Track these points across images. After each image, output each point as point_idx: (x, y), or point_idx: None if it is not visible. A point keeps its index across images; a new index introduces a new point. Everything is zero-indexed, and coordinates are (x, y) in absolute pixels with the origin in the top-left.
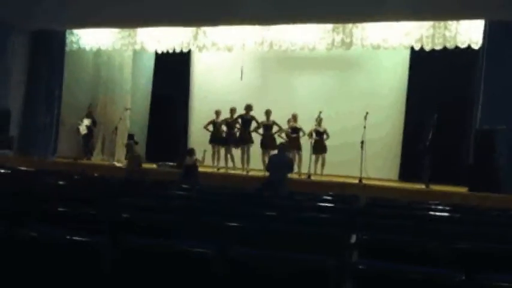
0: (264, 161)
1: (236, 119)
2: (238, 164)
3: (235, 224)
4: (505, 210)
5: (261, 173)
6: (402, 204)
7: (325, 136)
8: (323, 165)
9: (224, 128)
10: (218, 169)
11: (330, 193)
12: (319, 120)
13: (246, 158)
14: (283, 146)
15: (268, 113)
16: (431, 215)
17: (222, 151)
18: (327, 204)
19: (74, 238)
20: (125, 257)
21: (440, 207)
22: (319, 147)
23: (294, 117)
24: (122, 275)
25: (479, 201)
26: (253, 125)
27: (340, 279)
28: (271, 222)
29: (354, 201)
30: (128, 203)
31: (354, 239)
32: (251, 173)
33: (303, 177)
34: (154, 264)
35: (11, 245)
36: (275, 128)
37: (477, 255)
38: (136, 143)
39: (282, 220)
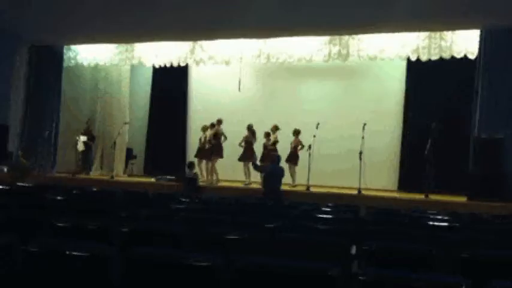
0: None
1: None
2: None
3: (240, 235)
4: (505, 217)
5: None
6: (402, 213)
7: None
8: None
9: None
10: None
11: (330, 204)
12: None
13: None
14: (278, 158)
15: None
16: (431, 224)
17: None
18: (327, 216)
19: (83, 250)
20: (133, 268)
21: (439, 216)
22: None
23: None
24: (130, 286)
25: (479, 209)
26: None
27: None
28: (273, 232)
29: (354, 212)
30: (133, 214)
31: (354, 249)
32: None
33: (302, 188)
34: (162, 275)
35: (21, 257)
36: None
37: (479, 262)
38: (134, 157)
39: (285, 230)
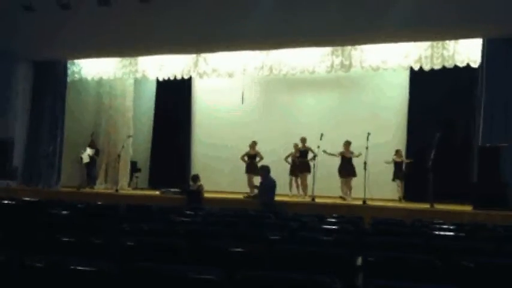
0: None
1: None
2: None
3: (240, 247)
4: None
5: None
6: (407, 224)
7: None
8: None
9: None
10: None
11: (335, 215)
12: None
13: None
14: (267, 169)
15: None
16: (436, 234)
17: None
18: (332, 226)
19: (84, 265)
20: (133, 283)
21: (445, 226)
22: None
23: (303, 140)
24: None
25: (484, 219)
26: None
27: None
28: (276, 244)
29: (359, 222)
30: (135, 229)
31: (359, 261)
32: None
33: (307, 199)
34: None
35: (22, 274)
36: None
37: (482, 273)
38: (139, 170)
39: (288, 242)
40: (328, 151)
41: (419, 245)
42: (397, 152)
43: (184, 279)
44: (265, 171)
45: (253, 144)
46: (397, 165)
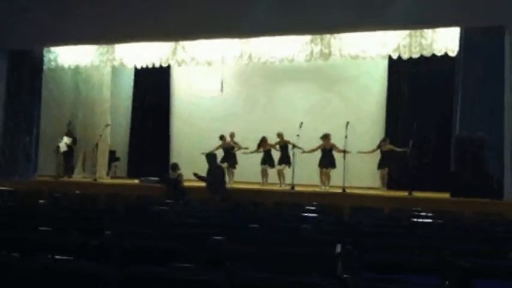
0: None
1: None
2: None
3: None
4: (486, 215)
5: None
6: (386, 212)
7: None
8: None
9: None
10: None
11: (314, 203)
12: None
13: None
14: (211, 156)
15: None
16: (414, 221)
17: None
18: (310, 215)
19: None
20: (130, 284)
21: (423, 213)
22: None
23: (280, 136)
24: None
25: (461, 207)
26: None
27: None
28: (255, 234)
29: (338, 211)
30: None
31: (338, 248)
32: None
33: (286, 188)
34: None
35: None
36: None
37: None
38: (118, 159)
39: (266, 231)
40: (303, 151)
41: (397, 233)
42: (385, 141)
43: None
44: (211, 158)
45: (231, 136)
46: (385, 154)
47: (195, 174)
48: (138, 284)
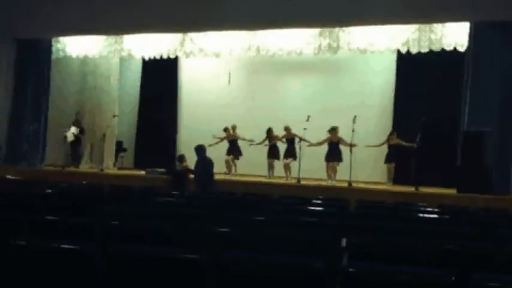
0: None
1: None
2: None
3: (225, 230)
4: (492, 210)
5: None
6: (391, 206)
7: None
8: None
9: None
10: None
11: (320, 197)
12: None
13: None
14: (199, 148)
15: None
16: (420, 216)
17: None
18: (317, 208)
19: (66, 247)
20: (117, 264)
21: (429, 208)
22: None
23: (287, 129)
24: (115, 283)
25: (468, 202)
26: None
27: (331, 282)
28: (261, 226)
29: (344, 205)
30: (117, 210)
31: (344, 242)
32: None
33: (293, 181)
34: (147, 271)
35: (3, 255)
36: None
37: (464, 255)
38: (124, 150)
39: (273, 224)
40: (310, 143)
41: (402, 227)
42: (392, 134)
43: (170, 259)
44: (199, 150)
45: (233, 128)
46: (392, 148)
47: (183, 169)
48: (123, 264)
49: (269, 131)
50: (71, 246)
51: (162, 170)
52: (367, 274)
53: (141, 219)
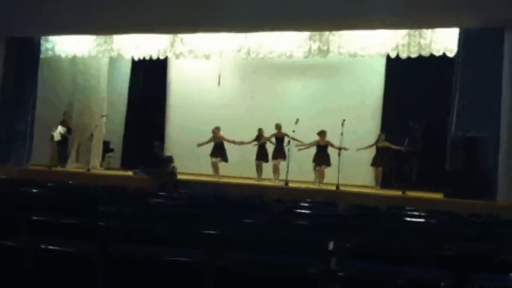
0: None
1: None
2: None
3: (217, 231)
4: (479, 215)
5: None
6: (380, 209)
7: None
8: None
9: None
10: None
11: (308, 200)
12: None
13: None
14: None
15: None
16: (407, 220)
17: None
18: (305, 211)
19: (65, 248)
20: (116, 265)
21: (416, 212)
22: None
23: (278, 127)
24: (115, 284)
25: (454, 207)
26: None
27: (323, 284)
28: (250, 228)
29: (333, 207)
30: (114, 211)
31: (331, 245)
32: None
33: (280, 183)
34: (147, 272)
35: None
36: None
37: (457, 256)
38: (112, 150)
39: (262, 226)
40: (301, 143)
41: (391, 230)
42: (380, 137)
43: (168, 261)
44: (157, 148)
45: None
46: (380, 150)
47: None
48: (122, 265)
49: (259, 131)
50: (71, 247)
51: (149, 170)
52: (363, 275)
53: (139, 219)
